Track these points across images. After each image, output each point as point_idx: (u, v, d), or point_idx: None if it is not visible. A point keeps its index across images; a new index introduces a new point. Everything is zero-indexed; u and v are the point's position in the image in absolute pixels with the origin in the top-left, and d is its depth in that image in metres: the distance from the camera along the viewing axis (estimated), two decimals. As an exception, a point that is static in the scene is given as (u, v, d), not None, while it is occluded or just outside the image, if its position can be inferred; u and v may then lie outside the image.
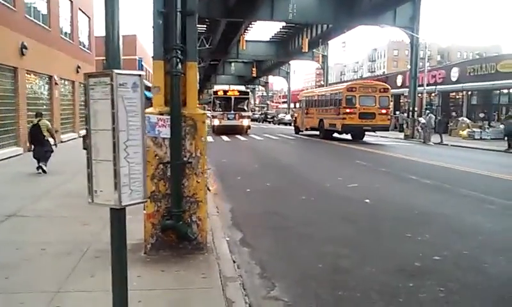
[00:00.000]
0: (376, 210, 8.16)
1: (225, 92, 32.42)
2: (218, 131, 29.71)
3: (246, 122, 30.86)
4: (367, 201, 8.80)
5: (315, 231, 6.81)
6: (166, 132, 5.33)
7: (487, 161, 16.28)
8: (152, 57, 5.47)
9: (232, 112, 30.17)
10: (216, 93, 32.70)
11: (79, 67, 23.39)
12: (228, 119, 29.97)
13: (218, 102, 31.18)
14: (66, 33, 21.90)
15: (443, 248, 5.87)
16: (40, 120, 11.53)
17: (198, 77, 6.23)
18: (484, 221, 7.45)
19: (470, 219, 7.60)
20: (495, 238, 6.53)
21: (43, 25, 18.63)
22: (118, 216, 2.47)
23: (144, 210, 5.47)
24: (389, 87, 26.11)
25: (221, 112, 30.44)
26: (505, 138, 20.99)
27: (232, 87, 34.62)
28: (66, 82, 22.79)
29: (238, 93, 32.14)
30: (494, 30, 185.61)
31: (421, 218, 7.56)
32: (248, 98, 32.72)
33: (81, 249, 5.50)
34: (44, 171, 10.99)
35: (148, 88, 23.90)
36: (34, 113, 12.50)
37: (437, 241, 6.24)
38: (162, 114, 5.32)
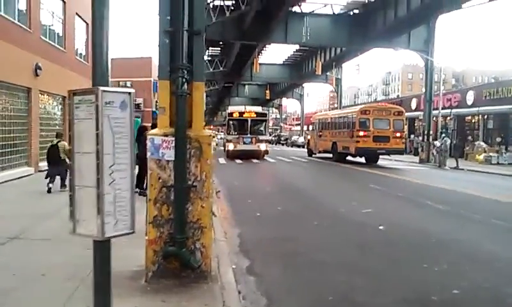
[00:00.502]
0: (391, 237, 7.81)
1: (241, 114, 28.54)
2: (232, 156, 27.46)
3: (263, 147, 27.79)
4: (381, 227, 8.44)
5: (328, 258, 6.48)
6: (170, 154, 5.12)
7: (504, 186, 15.77)
8: (158, 76, 5.29)
9: (249, 135, 27.42)
10: (230, 114, 29.01)
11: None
12: (244, 143, 27.25)
13: (233, 124, 28.43)
14: (81, 54, 22.12)
15: (462, 278, 5.51)
16: (59, 141, 11.82)
17: (204, 98, 6.04)
18: (502, 250, 7.06)
19: (487, 248, 7.20)
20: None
21: (58, 46, 18.82)
22: (100, 248, 2.22)
23: (146, 235, 5.24)
24: (403, 110, 25.77)
25: (236, 136, 27.69)
26: None
27: (248, 108, 31.01)
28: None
29: (255, 115, 28.46)
30: (509, 54, 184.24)
31: (437, 246, 7.20)
32: (265, 120, 29.63)
33: (82, 275, 5.25)
34: (64, 185, 11.31)
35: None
36: (55, 133, 13.11)
37: (455, 271, 5.87)
38: (166, 136, 5.12)
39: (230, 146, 27.62)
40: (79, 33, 21.50)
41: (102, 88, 2.06)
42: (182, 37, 5.09)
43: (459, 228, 8.60)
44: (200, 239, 5.26)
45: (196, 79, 5.25)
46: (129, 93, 2.18)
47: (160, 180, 5.16)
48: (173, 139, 5.07)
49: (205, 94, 6.11)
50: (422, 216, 9.85)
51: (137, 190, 9.94)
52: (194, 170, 5.21)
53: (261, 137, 27.91)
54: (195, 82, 5.24)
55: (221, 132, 74.35)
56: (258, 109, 31.66)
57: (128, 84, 48.68)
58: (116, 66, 36.12)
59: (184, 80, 5.06)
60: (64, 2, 19.23)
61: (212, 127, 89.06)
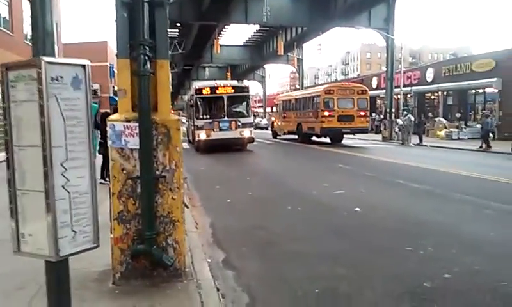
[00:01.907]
0: (368, 220, 7.53)
1: (213, 90, 21.01)
2: (205, 148, 20.61)
3: (246, 133, 20.95)
4: (357, 209, 8.17)
5: (306, 247, 6.12)
6: (134, 142, 4.57)
7: (470, 161, 16.01)
8: (116, 55, 4.69)
9: (226, 118, 20.53)
10: (198, 91, 21.18)
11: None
12: (221, 129, 20.33)
13: (203, 105, 21.07)
14: (28, 38, 20.73)
15: (451, 263, 5.27)
16: None
17: (170, 78, 5.49)
18: (486, 229, 6.91)
19: (471, 227, 7.03)
20: (502, 249, 5.97)
21: (4, 29, 17.48)
22: (55, 270, 1.71)
23: (111, 232, 4.70)
24: (367, 89, 25.77)
25: (209, 121, 20.52)
26: (482, 138, 20.90)
27: (222, 82, 23.78)
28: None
29: (233, 90, 21.20)
30: (464, 32, 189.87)
31: (418, 228, 6.96)
32: (247, 97, 21.85)
33: (38, 281, 4.66)
34: None
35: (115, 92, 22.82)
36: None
37: (442, 255, 5.63)
38: (129, 121, 4.56)
39: (201, 135, 20.43)
40: (27, 16, 20.09)
41: (45, 58, 1.53)
42: (143, 9, 4.50)
43: (437, 208, 8.42)
44: (172, 234, 4.76)
45: (160, 56, 4.68)
46: (83, 66, 1.65)
47: (124, 172, 4.61)
48: (137, 124, 4.52)
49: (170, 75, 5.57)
50: (397, 196, 9.68)
51: (102, 181, 9.24)
52: (162, 159, 4.69)
53: (243, 120, 20.88)
54: (159, 59, 4.68)
55: (183, 116, 71.93)
56: (235, 82, 25.11)
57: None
58: (69, 52, 34.34)
59: (146, 58, 4.50)
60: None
61: (172, 111, 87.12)
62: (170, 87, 5.21)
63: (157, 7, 4.65)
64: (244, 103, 21.53)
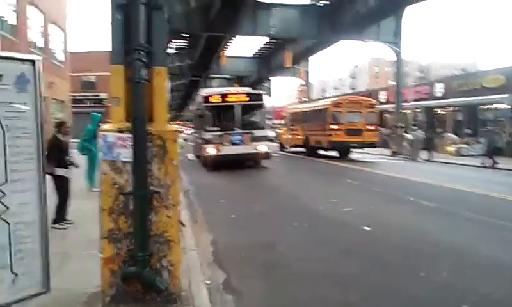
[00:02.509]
0: (379, 240, 7.10)
1: (223, 97, 18.31)
2: (214, 164, 17.63)
3: (262, 147, 18.05)
4: (367, 228, 7.75)
5: (314, 269, 5.70)
6: (127, 154, 4.23)
7: (481, 179, 15.49)
8: (110, 60, 4.36)
9: (238, 131, 17.71)
10: (206, 99, 18.26)
11: (51, 83, 22.04)
12: (233, 143, 17.49)
13: (212, 114, 18.12)
14: (36, 46, 20.61)
15: (468, 291, 4.84)
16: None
17: (168, 86, 5.16)
18: (504, 252, 6.47)
19: (488, 250, 6.58)
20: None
21: (8, 36, 17.34)
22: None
23: (100, 252, 4.33)
24: (376, 102, 25.37)
25: (219, 133, 17.54)
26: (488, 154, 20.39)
27: (233, 89, 21.98)
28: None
29: (246, 98, 18.39)
30: (471, 48, 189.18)
31: (432, 249, 6.53)
32: (262, 106, 18.97)
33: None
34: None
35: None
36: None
37: (458, 281, 5.20)
38: (122, 132, 4.23)
39: (210, 150, 17.45)
40: (34, 23, 20.01)
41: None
42: (139, 12, 4.19)
43: (450, 228, 7.97)
44: (166, 255, 4.39)
45: (156, 63, 4.35)
46: (32, 62, 1.29)
47: (116, 186, 4.26)
48: (130, 135, 4.18)
49: (169, 84, 5.24)
50: (408, 214, 9.21)
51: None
52: (157, 173, 4.33)
53: (257, 133, 17.98)
54: (156, 66, 4.35)
55: (189, 127, 71.50)
56: (248, 89, 21.13)
57: (92, 78, 46.75)
58: (77, 60, 34.33)
59: (142, 63, 4.17)
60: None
61: (179, 122, 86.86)
62: (167, 96, 4.87)
63: (154, 10, 4.34)
64: (259, 114, 18.81)
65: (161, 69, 4.38)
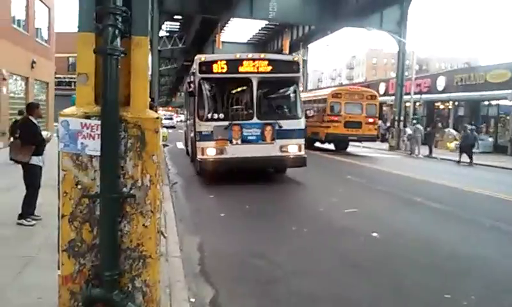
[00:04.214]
0: (390, 250, 6.24)
1: (234, 66, 11.51)
2: (214, 172, 11.61)
3: (293, 149, 11.61)
4: (375, 234, 6.91)
5: (316, 286, 4.84)
6: (94, 147, 3.32)
7: (486, 179, 14.71)
8: (77, 26, 3.42)
9: (255, 121, 11.37)
10: (205, 67, 11.43)
11: (34, 62, 20.87)
12: (245, 140, 11.23)
13: (212, 93, 11.52)
14: (19, 22, 19.41)
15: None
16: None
17: (150, 62, 4.24)
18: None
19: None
20: None
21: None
22: None
23: (58, 268, 3.44)
24: (377, 94, 24.47)
25: (223, 124, 11.12)
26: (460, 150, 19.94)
27: (251, 54, 12.77)
28: (18, 78, 20.25)
29: (270, 67, 11.62)
30: (472, 42, 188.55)
31: (453, 264, 5.69)
32: (295, 81, 11.99)
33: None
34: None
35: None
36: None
37: (489, 305, 4.38)
38: (88, 118, 3.32)
39: (209, 151, 11.12)
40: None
41: None
42: (114, -36, 3.23)
43: (469, 237, 7.15)
44: (141, 275, 3.49)
45: (136, 32, 3.42)
46: None
47: (80, 187, 3.36)
48: (99, 122, 3.27)
49: (151, 59, 4.33)
50: (419, 219, 8.37)
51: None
52: (133, 171, 3.42)
53: (287, 125, 11.49)
54: (135, 36, 3.41)
55: (181, 113, 69.31)
56: (273, 56, 14.42)
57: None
58: (64, 40, 32.96)
59: (117, 31, 3.24)
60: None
61: (170, 108, 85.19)
62: (149, 74, 3.95)
63: (135, -37, 3.39)
64: (291, 93, 12.03)
65: (142, 39, 3.45)
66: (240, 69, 11.33)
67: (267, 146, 11.20)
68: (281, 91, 12.12)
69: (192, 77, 11.96)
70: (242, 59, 11.47)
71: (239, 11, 26.89)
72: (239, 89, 11.97)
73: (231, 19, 32.40)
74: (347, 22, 27.80)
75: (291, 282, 4.96)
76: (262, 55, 11.92)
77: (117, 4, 3.25)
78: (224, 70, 11.23)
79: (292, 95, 11.98)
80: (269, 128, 11.21)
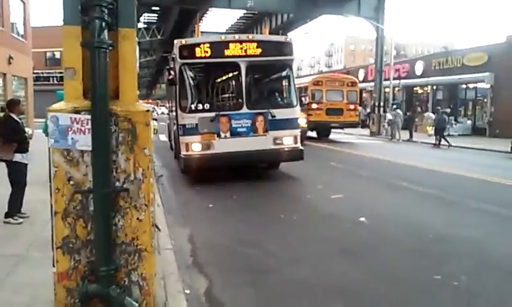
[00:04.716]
0: (379, 235, 6.33)
1: (220, 49, 10.04)
2: (200, 170, 10.29)
3: (288, 140, 10.41)
4: (363, 219, 7.01)
5: (309, 274, 4.88)
6: (85, 141, 3.29)
7: (468, 161, 15.03)
8: (63, 20, 3.36)
9: (245, 111, 10.09)
10: (187, 51, 9.97)
11: (11, 57, 20.41)
12: (234, 133, 9.96)
13: (196, 81, 10.43)
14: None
15: (497, 302, 4.14)
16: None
17: (138, 54, 4.20)
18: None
19: (502, 247, 5.90)
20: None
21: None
22: None
23: (53, 266, 3.41)
24: (357, 81, 24.64)
25: (209, 115, 9.84)
26: (435, 133, 20.32)
27: (239, 35, 10.90)
28: (-5, 74, 19.83)
29: (260, 50, 10.19)
30: (448, 26, 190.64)
31: (440, 247, 5.80)
32: (289, 65, 10.93)
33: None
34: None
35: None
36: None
37: (480, 289, 4.49)
38: (78, 112, 3.29)
39: (194, 146, 9.88)
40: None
41: None
42: (99, -45, 3.17)
43: (455, 219, 7.28)
44: (137, 268, 3.51)
45: (123, 24, 3.40)
46: None
47: (72, 182, 3.33)
48: (89, 117, 3.24)
49: (137, 51, 4.28)
50: (404, 202, 8.52)
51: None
52: (125, 165, 3.41)
53: (281, 114, 10.33)
54: (122, 28, 3.38)
55: (161, 106, 68.23)
56: (263, 36, 13.27)
57: (58, 54, 44.28)
58: (40, 35, 32.27)
59: (104, 23, 3.20)
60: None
61: (150, 101, 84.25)
62: (137, 67, 3.92)
63: (120, -46, 3.34)
64: (284, 78, 11.22)
65: (129, 31, 3.43)
66: (227, 52, 10.03)
67: (259, 138, 10.05)
68: (273, 76, 11.35)
69: (172, 63, 10.52)
70: (228, 41, 10.13)
71: (217, 2, 26.69)
72: (226, 76, 11.26)
73: (209, 9, 32.10)
74: (326, 9, 27.84)
75: (284, 270, 5.01)
76: (251, 37, 10.49)
77: (103, -3, 3.21)
78: (208, 54, 9.90)
79: (285, 81, 11.16)
80: (260, 118, 10.06)
